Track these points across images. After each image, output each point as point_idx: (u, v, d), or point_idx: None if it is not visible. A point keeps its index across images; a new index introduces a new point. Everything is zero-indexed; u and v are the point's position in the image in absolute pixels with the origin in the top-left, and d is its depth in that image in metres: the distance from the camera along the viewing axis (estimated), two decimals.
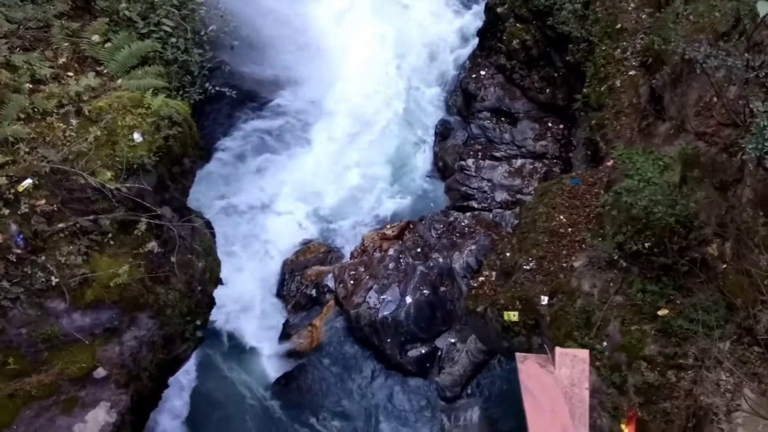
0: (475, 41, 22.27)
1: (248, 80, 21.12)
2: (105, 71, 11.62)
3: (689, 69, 11.76)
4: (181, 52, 12.88)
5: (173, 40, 12.75)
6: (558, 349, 10.14)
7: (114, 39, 11.83)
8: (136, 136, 10.76)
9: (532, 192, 17.78)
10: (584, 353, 10.10)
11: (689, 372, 9.93)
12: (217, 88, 13.60)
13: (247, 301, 19.13)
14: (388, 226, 20.04)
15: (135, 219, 10.67)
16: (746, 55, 8.49)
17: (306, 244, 20.34)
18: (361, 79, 23.03)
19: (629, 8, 16.55)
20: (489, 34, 21.12)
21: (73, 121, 10.61)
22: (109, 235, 10.48)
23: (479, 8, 23.57)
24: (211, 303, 13.61)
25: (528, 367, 10.19)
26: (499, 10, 20.31)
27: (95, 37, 11.72)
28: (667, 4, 13.80)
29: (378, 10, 24.40)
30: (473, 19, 24.00)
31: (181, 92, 12.96)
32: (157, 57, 12.44)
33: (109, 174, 10.31)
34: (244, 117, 21.98)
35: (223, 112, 21.40)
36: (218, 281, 13.62)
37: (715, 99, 11.05)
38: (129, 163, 10.58)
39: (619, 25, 16.38)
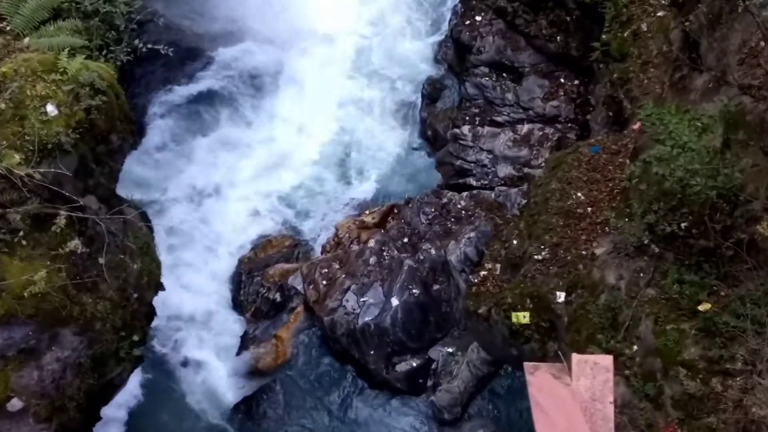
0: None
1: (188, 35, 21.04)
2: (8, 28, 11.52)
3: (730, 7, 11.85)
4: (103, 1, 12.77)
5: None
6: (575, 356, 10.22)
7: None
8: (50, 109, 10.70)
9: (543, 164, 17.88)
10: (607, 360, 10.19)
11: (738, 379, 10.07)
12: (150, 46, 13.51)
13: (196, 310, 19.12)
14: (368, 212, 20.08)
15: (52, 212, 10.62)
16: None
17: (266, 238, 20.34)
18: (330, 28, 22.98)
19: None
20: None
21: None
22: (21, 234, 10.43)
23: None
24: (151, 314, 13.59)
25: (539, 379, 10.29)
26: None
27: None
28: None
29: None
30: None
31: (104, 52, 12.87)
32: (74, 9, 12.35)
33: (17, 157, 10.25)
34: (184, 81, 21.88)
35: (158, 75, 21.27)
36: (159, 286, 13.62)
37: (762, 44, 11.16)
38: (42, 142, 10.52)
39: None
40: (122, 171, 13.36)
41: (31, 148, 10.44)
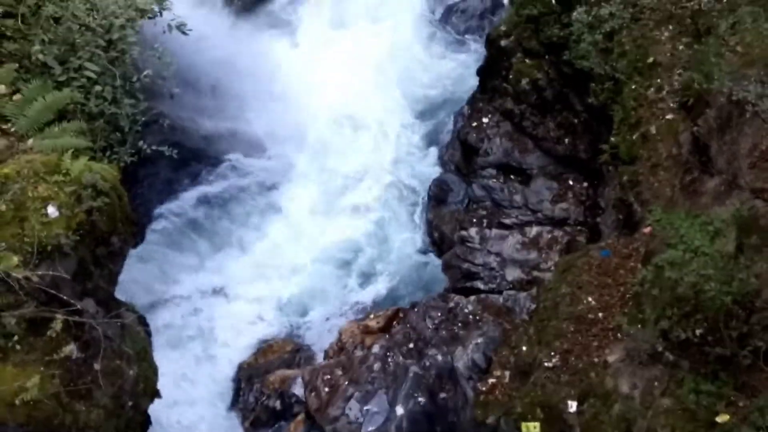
0: (475, 82, 22.71)
1: (193, 136, 21.40)
2: (12, 129, 11.72)
3: (739, 111, 12.05)
4: (108, 103, 13.04)
5: (98, 88, 12.93)
6: None
7: (24, 89, 11.97)
8: (51, 210, 10.77)
9: (552, 268, 17.86)
10: None
11: None
12: (154, 147, 13.71)
13: (192, 420, 18.82)
14: (372, 316, 19.95)
15: (49, 316, 10.58)
16: None
17: (267, 342, 20.19)
18: (337, 131, 23.47)
19: (662, 38, 16.99)
20: (492, 72, 21.57)
21: None
22: (15, 338, 10.35)
23: (478, 42, 24.21)
24: (146, 422, 13.37)
25: None
26: (503, 43, 20.81)
27: (1, 88, 11.87)
28: (707, 33, 14.22)
29: (356, 50, 25.09)
30: (472, 56, 24.62)
31: (108, 153, 13.07)
32: (79, 110, 12.60)
33: (15, 259, 10.25)
34: (188, 181, 22.14)
35: (162, 176, 21.54)
36: (155, 393, 13.42)
37: None
38: (42, 244, 10.55)
39: (651, 59, 16.78)
40: (121, 272, 13.40)
41: (30, 250, 10.46)
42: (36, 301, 10.50)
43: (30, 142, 11.63)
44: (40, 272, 10.43)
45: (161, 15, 14.45)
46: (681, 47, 16.50)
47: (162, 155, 13.88)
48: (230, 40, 22.31)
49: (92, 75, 12.78)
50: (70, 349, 10.75)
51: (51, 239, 10.64)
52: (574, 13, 17.15)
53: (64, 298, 10.78)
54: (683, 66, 15.83)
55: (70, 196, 10.97)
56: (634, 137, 16.54)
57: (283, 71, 23.93)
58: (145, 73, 13.77)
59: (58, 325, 10.56)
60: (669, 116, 16.08)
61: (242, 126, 22.47)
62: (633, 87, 16.83)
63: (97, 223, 11.44)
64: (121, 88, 13.25)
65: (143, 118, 13.86)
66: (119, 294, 13.55)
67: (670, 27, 16.55)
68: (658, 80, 16.48)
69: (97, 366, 11.35)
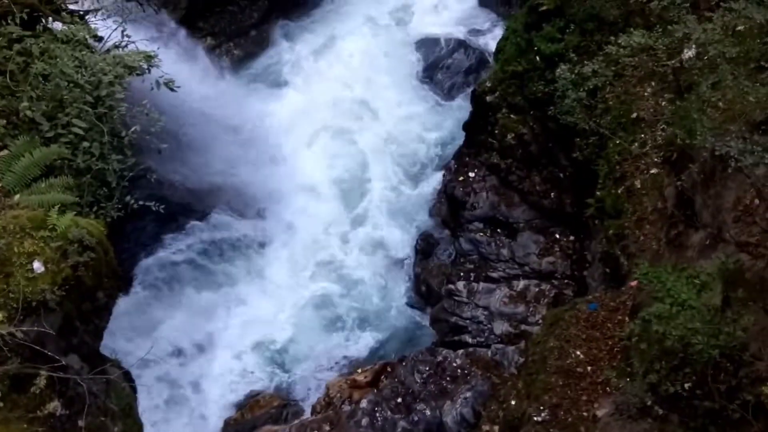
0: (461, 137, 22.92)
1: (180, 190, 21.43)
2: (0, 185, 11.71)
3: (722, 166, 12.15)
4: (96, 159, 13.04)
5: (86, 144, 12.94)
6: None
7: (12, 145, 11.98)
8: (37, 266, 10.71)
9: (540, 321, 17.84)
10: None
11: None
12: (141, 202, 13.65)
13: None
14: (360, 371, 19.83)
15: (33, 372, 10.45)
16: None
17: (254, 397, 20.02)
18: (325, 186, 23.59)
19: (645, 94, 17.26)
20: (478, 127, 21.81)
21: None
22: None
23: (464, 98, 24.46)
24: None
25: None
26: (488, 98, 21.07)
27: None
28: (689, 90, 14.41)
29: (342, 105, 25.46)
30: (458, 111, 24.84)
31: (95, 208, 13.02)
32: (66, 166, 12.59)
33: (0, 315, 10.18)
34: (174, 235, 22.17)
35: (149, 230, 21.56)
36: None
37: (756, 201, 11.39)
38: (27, 300, 10.45)
39: (634, 115, 17.02)
40: (107, 327, 13.28)
41: (14, 305, 10.35)
42: (20, 357, 10.36)
43: (17, 197, 11.60)
44: (24, 328, 10.32)
45: (150, 72, 14.53)
46: (664, 103, 16.74)
47: (149, 210, 13.82)
48: (218, 96, 22.51)
49: (80, 131, 12.79)
50: (54, 405, 10.59)
51: (36, 295, 10.56)
52: (558, 70, 17.33)
53: (49, 354, 10.65)
54: (666, 121, 16.01)
55: (56, 251, 10.92)
56: (619, 191, 16.65)
57: (271, 128, 24.16)
58: (132, 129, 13.79)
59: (42, 382, 10.40)
60: (653, 171, 16.21)
61: (228, 181, 22.54)
62: (617, 142, 17.02)
63: (82, 278, 11.37)
64: (108, 144, 13.25)
65: (130, 174, 13.82)
66: (104, 349, 13.42)
67: (653, 83, 16.82)
68: (642, 135, 16.67)
69: (81, 423, 11.16)
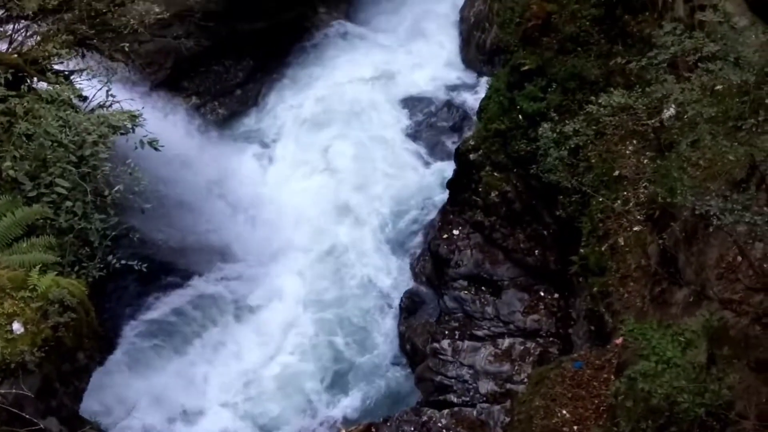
0: (445, 194, 23.05)
1: (163, 249, 21.37)
2: None
3: (704, 224, 12.26)
4: (79, 218, 13.00)
5: (69, 204, 12.91)
6: None
7: None
8: (16, 327, 10.62)
9: (525, 380, 17.75)
10: None
11: None
12: (123, 261, 13.60)
13: None
14: (344, 431, 19.60)
15: None
16: (766, 209, 8.96)
17: None
18: (309, 245, 23.61)
19: (627, 152, 17.46)
20: (461, 185, 21.93)
21: None
22: None
23: (448, 156, 24.66)
24: None
25: None
26: (472, 157, 21.24)
27: None
28: (670, 148, 14.60)
29: (326, 164, 25.63)
30: (441, 169, 25.02)
31: (76, 268, 12.95)
32: (48, 225, 12.55)
33: None
34: (157, 294, 22.05)
35: (131, 289, 21.44)
36: None
37: (739, 258, 11.48)
38: (5, 361, 10.35)
39: (616, 173, 17.19)
40: (87, 388, 13.12)
41: None
42: None
43: None
44: (2, 390, 10.20)
45: (134, 131, 14.60)
46: (645, 161, 16.92)
47: (131, 269, 13.75)
48: (202, 155, 22.60)
49: (63, 191, 12.78)
50: None
51: (15, 356, 10.46)
52: (540, 129, 17.53)
53: (27, 417, 10.51)
54: (648, 179, 16.18)
55: (37, 312, 10.85)
56: (602, 249, 16.73)
57: (255, 186, 24.28)
58: (116, 188, 13.78)
59: None
60: (636, 228, 16.33)
61: (211, 240, 22.52)
62: (600, 200, 17.13)
63: (63, 339, 11.27)
64: (91, 204, 13.23)
65: (113, 233, 13.78)
66: (84, 411, 13.25)
67: (634, 142, 17.03)
68: (625, 193, 16.81)
69: None
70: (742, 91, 10.17)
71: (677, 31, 11.88)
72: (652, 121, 14.24)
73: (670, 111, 13.98)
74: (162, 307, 21.86)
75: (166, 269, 22.09)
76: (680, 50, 11.33)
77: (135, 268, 13.71)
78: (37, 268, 11.30)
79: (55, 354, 11.20)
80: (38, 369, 10.83)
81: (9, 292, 10.85)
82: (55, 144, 12.97)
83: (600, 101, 13.65)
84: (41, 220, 12.36)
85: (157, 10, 17.35)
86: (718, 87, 10.41)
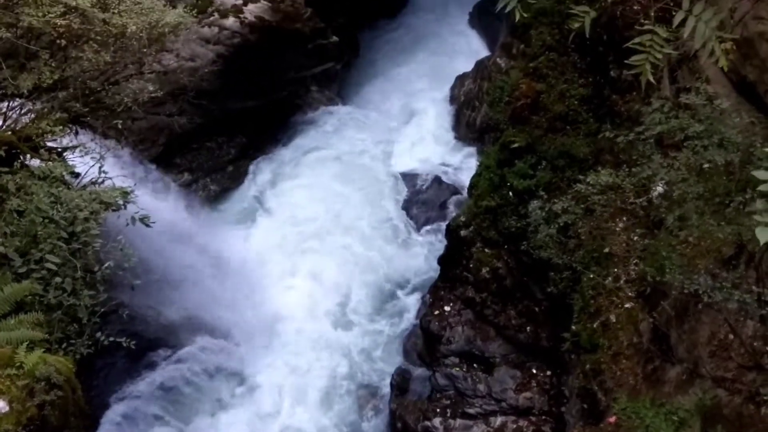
0: (437, 271, 23.06)
1: (152, 325, 21.25)
2: None
3: (695, 301, 12.30)
4: (68, 294, 12.97)
5: (58, 280, 12.90)
6: None
7: None
8: (1, 406, 10.49)
9: None
10: None
11: None
12: (112, 338, 13.53)
13: None
14: None
15: None
16: (755, 288, 9.03)
17: None
18: (300, 320, 23.53)
19: (617, 229, 17.54)
20: (452, 261, 21.95)
21: None
22: None
23: (439, 232, 24.79)
24: None
25: None
26: (462, 233, 21.32)
27: None
28: (659, 225, 14.74)
29: (319, 239, 25.73)
30: (433, 245, 25.11)
31: (64, 345, 12.86)
32: (37, 301, 12.50)
33: None
34: (145, 371, 21.82)
35: (119, 366, 21.22)
36: None
37: (731, 336, 11.49)
38: None
39: (607, 250, 17.23)
40: None
41: None
42: None
43: None
44: None
45: (125, 207, 14.68)
46: (635, 238, 17.00)
47: (120, 346, 13.67)
48: (193, 231, 22.68)
49: (53, 267, 12.78)
50: None
51: None
52: (530, 206, 17.69)
53: None
54: (638, 256, 16.25)
55: (23, 389, 10.73)
56: (594, 326, 16.70)
57: (247, 263, 24.27)
58: (106, 264, 13.80)
59: None
60: (628, 305, 16.32)
61: (202, 316, 22.42)
62: (591, 276, 17.14)
63: (48, 418, 11.12)
64: (81, 280, 13.22)
65: (102, 309, 13.74)
66: None
67: (624, 219, 17.14)
68: (615, 270, 16.84)
69: None
70: (728, 170, 10.34)
71: (665, 108, 12.12)
72: (640, 199, 14.38)
73: (658, 189, 14.13)
74: (151, 384, 21.59)
75: (154, 346, 21.94)
76: (667, 129, 11.53)
77: (123, 344, 13.62)
78: (25, 345, 11.22)
79: None
80: None
81: None
82: (47, 220, 13.02)
83: (588, 180, 13.82)
84: (30, 297, 12.32)
85: (150, 88, 17.57)
86: (706, 165, 10.56)
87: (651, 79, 7.40)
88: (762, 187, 5.89)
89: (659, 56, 7.31)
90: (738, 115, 11.10)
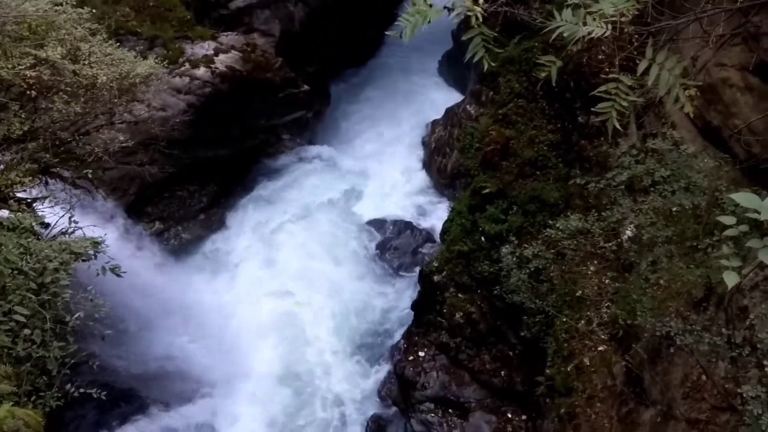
0: (410, 316, 23.01)
1: (123, 376, 21.01)
2: None
3: (667, 343, 12.37)
4: (37, 346, 12.76)
5: (27, 332, 12.69)
6: None
7: None
8: None
9: None
10: None
11: None
12: (82, 390, 13.29)
13: None
14: None
15: None
16: (724, 330, 9.10)
17: None
18: (272, 367, 23.34)
19: (588, 273, 17.64)
20: (426, 306, 21.96)
21: None
22: None
23: (412, 277, 24.78)
24: None
25: None
26: (436, 278, 21.36)
27: None
28: (630, 268, 14.83)
29: (291, 287, 25.69)
30: (406, 290, 25.09)
31: (33, 398, 12.64)
32: (5, 354, 12.31)
33: None
34: (116, 423, 21.57)
35: (89, 418, 20.96)
36: None
37: (704, 377, 11.52)
38: None
39: (579, 293, 17.31)
40: None
41: None
42: None
43: None
44: None
45: (96, 258, 14.54)
46: (607, 281, 17.10)
47: (90, 397, 13.43)
48: (165, 281, 22.54)
49: (21, 318, 12.57)
50: None
51: None
52: (502, 251, 17.76)
53: None
54: (610, 299, 16.33)
55: None
56: (568, 369, 16.70)
57: (219, 312, 24.13)
58: (76, 315, 13.60)
59: None
60: (601, 348, 16.35)
61: (173, 367, 22.20)
62: (564, 320, 17.20)
63: None
64: (50, 331, 13.02)
65: (72, 360, 13.51)
66: None
67: (595, 262, 17.24)
68: (588, 313, 16.89)
69: None
70: (696, 213, 10.47)
71: (632, 152, 12.29)
72: (610, 243, 14.50)
73: (627, 233, 14.26)
74: None
75: (125, 396, 21.68)
76: (634, 174, 11.68)
77: (94, 396, 13.37)
78: None
79: None
80: None
81: None
82: (15, 271, 12.86)
83: (558, 225, 13.94)
84: None
85: (121, 138, 17.54)
86: (674, 209, 10.69)
87: (617, 125, 7.50)
88: (728, 232, 5.98)
89: (625, 103, 7.42)
90: (703, 159, 11.28)
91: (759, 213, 5.41)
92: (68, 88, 15.34)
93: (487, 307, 20.38)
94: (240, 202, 28.91)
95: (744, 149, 12.17)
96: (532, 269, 16.16)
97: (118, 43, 17.91)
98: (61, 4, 15.76)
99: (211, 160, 27.57)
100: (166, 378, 22.24)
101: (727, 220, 5.96)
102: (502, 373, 20.50)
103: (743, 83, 12.16)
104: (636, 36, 8.01)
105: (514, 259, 16.76)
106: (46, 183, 16.47)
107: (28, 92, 14.72)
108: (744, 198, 5.55)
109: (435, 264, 21.66)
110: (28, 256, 13.06)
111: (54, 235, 15.06)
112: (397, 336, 23.72)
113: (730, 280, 5.84)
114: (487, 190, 20.18)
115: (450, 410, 20.81)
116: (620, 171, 12.12)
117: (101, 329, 14.63)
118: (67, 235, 15.10)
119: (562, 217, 14.39)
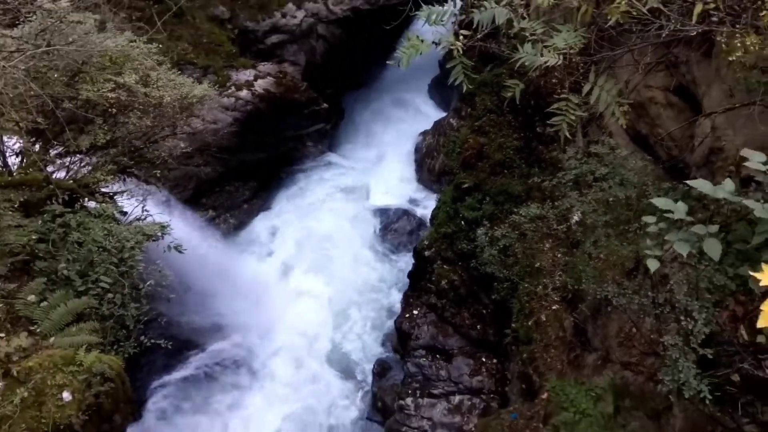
0: (407, 283, 23.03)
1: (185, 329, 21.04)
2: (38, 330, 11.42)
3: (606, 302, 12.38)
4: (118, 307, 12.85)
5: (110, 295, 12.77)
6: None
7: (50, 298, 11.79)
8: (66, 395, 10.32)
9: (473, 429, 17.41)
10: None
11: None
12: (153, 340, 13.40)
13: None
14: None
15: None
16: (650, 293, 9.11)
17: None
18: (302, 325, 23.42)
19: (545, 249, 17.63)
20: (419, 275, 21.95)
21: (0, 383, 10.18)
22: None
23: (408, 253, 24.80)
24: None
25: None
26: (426, 253, 21.34)
27: (31, 297, 11.67)
28: (577, 246, 14.83)
29: (316, 261, 25.72)
30: (404, 263, 25.09)
31: (115, 347, 12.72)
32: (93, 313, 12.37)
33: None
34: (180, 366, 21.65)
35: (159, 363, 21.02)
36: None
37: (634, 330, 11.53)
38: (56, 424, 10.02)
39: (537, 265, 17.32)
40: None
41: (45, 429, 9.93)
42: None
43: (52, 339, 11.32)
44: None
45: (163, 238, 14.59)
46: (559, 255, 17.10)
47: (159, 346, 13.54)
48: (217, 256, 22.57)
49: (106, 285, 12.67)
50: None
51: (64, 419, 10.14)
52: (478, 232, 17.76)
53: None
54: (561, 269, 16.34)
55: (82, 383, 10.58)
56: (529, 324, 16.74)
57: (257, 280, 24.18)
58: (148, 282, 13.70)
59: None
60: (554, 307, 16.38)
61: (224, 322, 22.33)
62: (525, 286, 17.23)
63: (103, 405, 10.96)
64: (128, 295, 13.11)
65: (145, 318, 13.63)
66: None
67: (550, 240, 17.23)
68: (544, 280, 16.92)
69: None
70: (628, 203, 10.46)
71: (578, 155, 12.25)
72: (561, 226, 14.49)
73: (575, 218, 14.24)
74: (185, 375, 21.41)
75: (187, 345, 21.73)
76: (580, 172, 11.65)
77: (162, 345, 13.49)
78: (84, 347, 11.10)
79: (97, 417, 10.86)
80: (82, 429, 10.48)
81: (60, 367, 10.59)
82: (101, 249, 12.91)
83: (521, 212, 13.91)
84: (88, 309, 12.19)
85: (182, 145, 17.51)
86: (611, 200, 10.69)
87: (567, 134, 7.49)
88: (650, 229, 6.02)
89: (573, 117, 7.40)
90: (634, 160, 11.25)
91: (673, 213, 5.47)
92: (141, 107, 15.31)
93: (466, 275, 20.37)
94: (275, 195, 28.89)
95: (666, 152, 12.14)
96: (501, 246, 16.17)
97: (180, 71, 17.84)
98: (135, 41, 15.70)
99: (252, 162, 27.56)
100: (219, 329, 22.35)
101: (650, 219, 6.02)
102: (478, 327, 20.52)
103: (666, 101, 12.13)
104: (582, 64, 7.98)
105: (487, 238, 16.77)
106: (124, 180, 16.47)
107: (109, 110, 14.70)
108: (662, 202, 5.62)
109: (426, 242, 21.64)
110: (111, 237, 13.11)
111: (130, 221, 15.10)
112: (398, 298, 23.73)
113: (652, 265, 5.90)
114: (466, 185, 20.15)
115: (437, 356, 20.82)
116: (569, 170, 12.11)
117: (167, 293, 14.73)
118: (140, 221, 15.13)
119: (525, 206, 14.38)
